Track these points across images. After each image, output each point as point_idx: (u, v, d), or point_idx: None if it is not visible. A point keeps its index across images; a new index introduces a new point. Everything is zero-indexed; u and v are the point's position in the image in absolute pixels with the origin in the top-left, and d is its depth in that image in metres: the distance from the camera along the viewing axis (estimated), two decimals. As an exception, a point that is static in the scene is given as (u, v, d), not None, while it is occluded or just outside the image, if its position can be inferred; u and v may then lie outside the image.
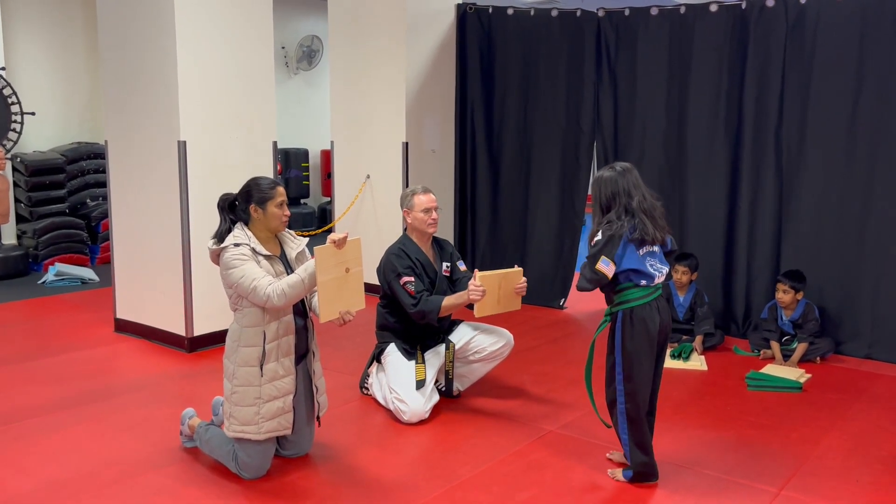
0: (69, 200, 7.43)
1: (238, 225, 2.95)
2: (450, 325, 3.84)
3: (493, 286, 3.47)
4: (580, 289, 2.94)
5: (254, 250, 2.87)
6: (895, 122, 4.52)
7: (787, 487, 2.94)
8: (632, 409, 2.87)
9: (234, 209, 2.98)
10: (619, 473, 3.00)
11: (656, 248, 2.91)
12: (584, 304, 6.01)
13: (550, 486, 2.94)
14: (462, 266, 3.88)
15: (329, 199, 8.46)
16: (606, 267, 2.79)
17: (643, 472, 2.94)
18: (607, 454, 3.19)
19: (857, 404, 3.88)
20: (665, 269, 2.94)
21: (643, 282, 2.85)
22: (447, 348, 3.71)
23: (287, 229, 3.11)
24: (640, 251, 2.85)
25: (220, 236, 2.95)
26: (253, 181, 2.97)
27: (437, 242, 3.87)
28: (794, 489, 2.92)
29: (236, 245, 2.86)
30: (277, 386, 2.88)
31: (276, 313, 2.87)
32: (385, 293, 3.74)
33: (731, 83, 5.10)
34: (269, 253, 2.92)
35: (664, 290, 2.97)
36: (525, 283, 3.60)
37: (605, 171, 2.93)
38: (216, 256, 2.94)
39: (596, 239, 2.86)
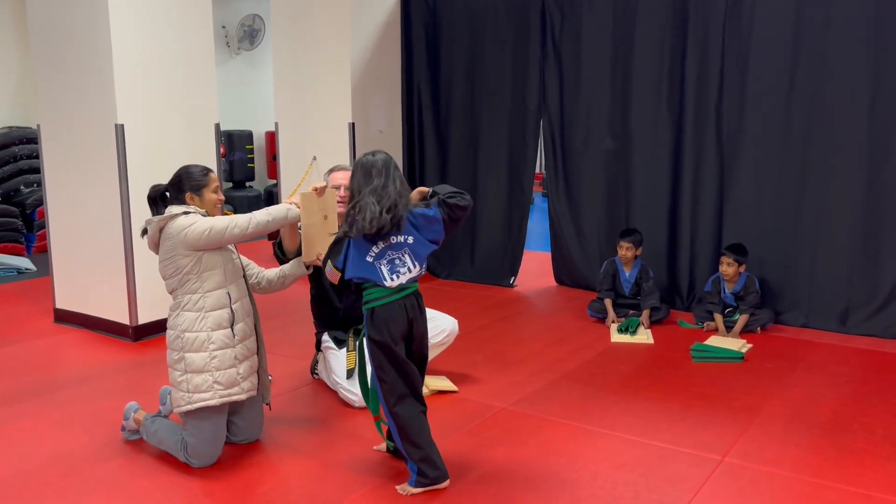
0: (1, 188, 7.14)
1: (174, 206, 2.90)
2: None
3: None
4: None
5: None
6: (829, 99, 4.66)
7: (730, 454, 3.03)
8: (398, 410, 2.62)
9: (166, 199, 2.94)
10: (407, 487, 2.68)
11: (402, 239, 2.60)
12: (535, 281, 6.08)
13: (503, 463, 2.98)
14: None
15: (275, 181, 8.34)
16: (330, 272, 2.66)
17: (424, 473, 2.63)
18: (374, 447, 3.04)
19: (795, 372, 4.03)
20: (415, 267, 2.62)
21: (385, 283, 2.59)
22: None
23: (228, 212, 3.08)
24: (372, 251, 2.58)
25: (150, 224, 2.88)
26: (184, 169, 2.94)
27: None
28: (736, 456, 3.02)
29: (186, 213, 2.83)
30: (247, 346, 2.94)
31: (234, 274, 2.90)
32: (311, 281, 3.61)
33: (672, 61, 5.17)
34: None
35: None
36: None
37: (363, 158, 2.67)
38: (157, 234, 2.84)
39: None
